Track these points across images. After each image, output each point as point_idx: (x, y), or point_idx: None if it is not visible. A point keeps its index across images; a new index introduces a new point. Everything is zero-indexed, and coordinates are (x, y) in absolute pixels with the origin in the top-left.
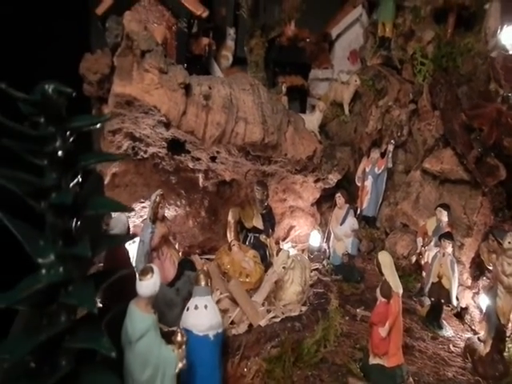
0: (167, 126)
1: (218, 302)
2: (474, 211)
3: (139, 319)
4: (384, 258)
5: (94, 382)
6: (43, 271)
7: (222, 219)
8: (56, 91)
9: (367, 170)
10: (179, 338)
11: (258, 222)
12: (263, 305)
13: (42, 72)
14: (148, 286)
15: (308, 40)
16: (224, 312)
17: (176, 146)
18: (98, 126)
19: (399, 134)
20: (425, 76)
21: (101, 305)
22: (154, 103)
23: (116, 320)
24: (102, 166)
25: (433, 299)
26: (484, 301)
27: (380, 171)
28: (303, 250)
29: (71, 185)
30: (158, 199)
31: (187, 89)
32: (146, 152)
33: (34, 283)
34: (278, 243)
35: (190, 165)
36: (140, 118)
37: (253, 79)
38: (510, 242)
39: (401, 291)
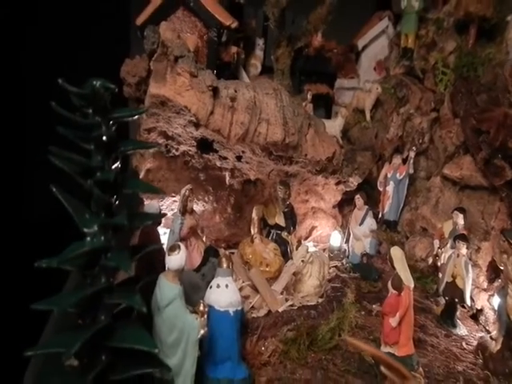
0: (197, 125)
1: (240, 289)
2: (491, 216)
3: (167, 289)
4: (396, 253)
5: (127, 335)
6: (88, 239)
7: (246, 216)
8: (102, 86)
9: (389, 175)
10: (201, 307)
11: (280, 220)
12: (282, 293)
13: (90, 73)
14: (175, 260)
15: (335, 51)
16: (245, 298)
17: (205, 145)
18: (136, 117)
19: (420, 141)
20: (446, 85)
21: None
22: (184, 103)
23: (147, 290)
24: (138, 162)
25: (447, 298)
26: (496, 301)
27: (401, 177)
28: (324, 250)
29: (113, 166)
30: (187, 193)
31: (215, 91)
32: (177, 150)
33: (80, 247)
34: (299, 242)
35: (218, 163)
36: (172, 117)
37: (276, 84)
38: None
39: (412, 285)
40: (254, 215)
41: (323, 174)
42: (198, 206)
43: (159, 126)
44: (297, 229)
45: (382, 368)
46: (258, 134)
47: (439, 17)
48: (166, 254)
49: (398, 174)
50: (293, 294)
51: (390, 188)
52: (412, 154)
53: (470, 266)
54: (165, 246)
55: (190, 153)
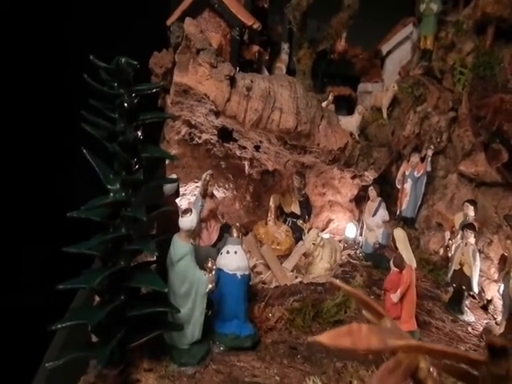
0: (217, 114)
1: (253, 266)
2: (504, 210)
3: (179, 246)
4: (398, 234)
5: (142, 278)
6: (111, 194)
7: (265, 205)
8: (126, 62)
9: (407, 173)
10: (210, 264)
11: (295, 208)
12: (292, 271)
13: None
14: (187, 221)
15: (361, 56)
16: (258, 274)
17: (225, 134)
18: (154, 90)
19: (439, 139)
20: (464, 85)
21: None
22: (204, 91)
23: (163, 247)
24: (165, 148)
25: (455, 286)
26: (501, 287)
27: (419, 175)
28: (340, 241)
29: (135, 132)
30: (207, 178)
31: (232, 81)
32: (200, 138)
33: (104, 199)
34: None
35: (238, 152)
36: (194, 106)
37: (292, 78)
38: None
39: (414, 265)
40: (271, 203)
41: (337, 166)
42: (219, 193)
43: (183, 115)
44: (312, 217)
45: (363, 311)
46: (271, 121)
47: (459, 19)
48: (180, 217)
49: (415, 172)
50: (304, 274)
51: (408, 186)
52: (430, 153)
53: (477, 255)
54: None
55: (212, 141)
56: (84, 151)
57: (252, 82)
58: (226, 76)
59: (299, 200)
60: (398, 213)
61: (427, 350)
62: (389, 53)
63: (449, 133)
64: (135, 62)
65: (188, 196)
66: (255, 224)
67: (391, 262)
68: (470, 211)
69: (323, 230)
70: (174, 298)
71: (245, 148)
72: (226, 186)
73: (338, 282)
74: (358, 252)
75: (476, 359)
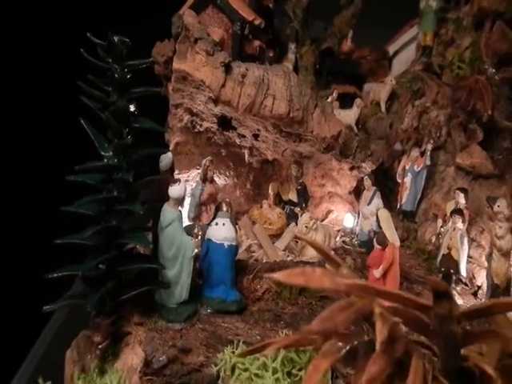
0: (215, 102)
1: (248, 247)
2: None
3: (168, 212)
4: (382, 214)
5: (131, 236)
6: (105, 160)
7: (264, 193)
8: (119, 40)
9: (407, 167)
10: (196, 230)
11: (293, 196)
12: (284, 251)
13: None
14: (176, 189)
15: (369, 58)
16: (251, 252)
17: (225, 123)
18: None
19: (438, 134)
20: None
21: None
22: (201, 77)
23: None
24: (169, 135)
25: (443, 269)
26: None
27: (419, 169)
28: (338, 231)
29: (125, 103)
30: (207, 163)
31: (227, 68)
32: (201, 126)
33: (98, 163)
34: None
35: (237, 141)
36: (194, 93)
37: (287, 68)
38: (499, 206)
39: (397, 244)
40: (270, 191)
41: (334, 156)
42: (220, 180)
43: (185, 103)
44: (309, 205)
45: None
46: (264, 106)
47: (459, 16)
48: (170, 186)
49: (415, 166)
50: (295, 255)
51: (408, 179)
52: (429, 147)
53: (465, 239)
54: (187, 209)
55: (212, 129)
56: (81, 121)
57: (247, 70)
58: (221, 63)
59: (297, 188)
60: (398, 206)
61: (375, 291)
62: (396, 53)
63: (448, 127)
64: (127, 40)
65: (191, 182)
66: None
67: (374, 240)
68: (461, 198)
69: (323, 221)
70: (163, 260)
71: (244, 136)
72: (227, 173)
73: (299, 233)
74: (353, 240)
75: (424, 304)
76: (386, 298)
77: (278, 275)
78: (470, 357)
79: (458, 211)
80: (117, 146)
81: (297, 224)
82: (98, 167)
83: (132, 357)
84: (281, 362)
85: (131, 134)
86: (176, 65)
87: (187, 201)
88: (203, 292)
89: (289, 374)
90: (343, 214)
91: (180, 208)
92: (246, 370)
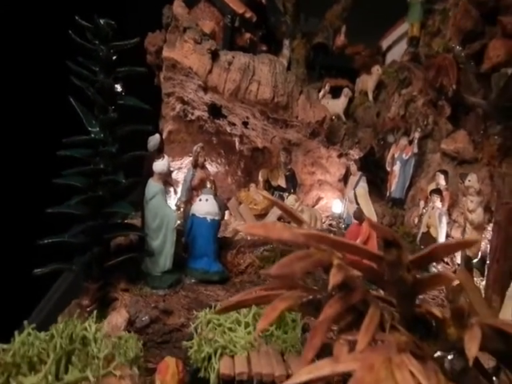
0: (205, 90)
1: (235, 228)
2: (478, 181)
3: (152, 186)
4: (360, 191)
5: (116, 205)
6: (92, 135)
7: (255, 180)
8: (105, 23)
9: (396, 155)
10: (178, 203)
11: (282, 182)
12: None
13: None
14: (159, 164)
15: (363, 53)
16: (237, 232)
17: (215, 111)
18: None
19: (425, 122)
20: None
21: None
22: (189, 64)
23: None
24: (162, 125)
25: (422, 247)
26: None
27: (407, 157)
28: (327, 217)
29: (111, 82)
30: (198, 149)
31: (214, 55)
32: (192, 114)
33: (86, 137)
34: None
35: (228, 129)
36: (184, 81)
37: (273, 57)
38: (469, 180)
39: (374, 219)
40: (260, 177)
41: (322, 143)
42: (211, 167)
43: (176, 92)
44: (298, 191)
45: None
46: (249, 91)
47: (445, 7)
48: (154, 161)
49: (404, 155)
50: None
51: (397, 168)
52: (417, 135)
53: (443, 218)
54: (179, 194)
55: (204, 118)
56: (70, 99)
57: (233, 57)
58: (207, 50)
59: (285, 174)
60: (387, 194)
61: (331, 241)
62: (389, 48)
63: (435, 116)
64: (112, 22)
65: (184, 169)
66: None
67: (351, 217)
68: (441, 180)
69: (313, 207)
70: (148, 231)
71: (234, 124)
72: (219, 161)
73: (259, 191)
74: (340, 223)
75: (376, 254)
76: (341, 248)
77: (241, 227)
78: (423, 305)
79: (436, 191)
80: (102, 120)
81: None
82: (85, 141)
83: (117, 317)
84: (252, 317)
85: (117, 110)
86: (165, 53)
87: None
88: (187, 264)
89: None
90: (333, 200)
91: (162, 182)
92: (220, 325)
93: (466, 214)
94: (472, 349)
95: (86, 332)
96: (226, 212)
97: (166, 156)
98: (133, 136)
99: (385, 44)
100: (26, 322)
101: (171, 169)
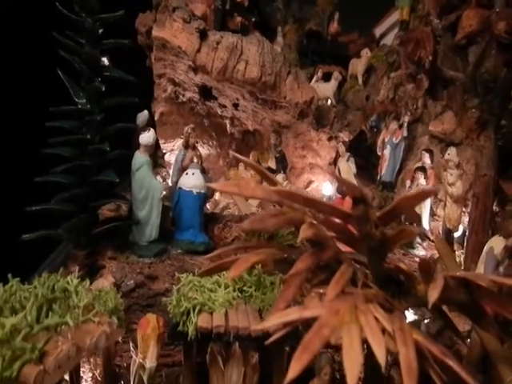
0: (195, 70)
1: (224, 206)
2: (463, 161)
3: (138, 157)
4: (343, 165)
5: (102, 173)
6: (79, 106)
7: None
8: None
9: (386, 140)
10: (164, 174)
11: (272, 163)
12: (257, 207)
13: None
14: (145, 137)
15: (358, 42)
16: (225, 208)
17: (206, 93)
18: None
19: (414, 106)
20: None
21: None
22: (178, 44)
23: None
24: (154, 106)
25: (407, 223)
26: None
27: (397, 141)
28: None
29: (103, 58)
30: (189, 130)
31: (203, 35)
32: (184, 96)
33: (73, 106)
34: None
35: (219, 111)
36: (174, 61)
37: (262, 37)
38: (449, 154)
39: None
40: (250, 159)
41: (311, 124)
42: (203, 150)
43: (167, 73)
44: (288, 173)
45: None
46: (237, 70)
47: None
48: (140, 134)
49: (394, 139)
50: None
51: (387, 151)
52: (406, 119)
53: None
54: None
55: (195, 99)
56: (58, 71)
57: (221, 37)
58: (195, 29)
59: (275, 156)
60: (378, 178)
61: (302, 198)
62: (383, 36)
63: (424, 99)
64: None
65: (176, 152)
66: None
67: (335, 190)
68: (426, 158)
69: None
70: (135, 202)
71: (225, 106)
72: (210, 143)
73: (236, 154)
74: None
75: (345, 211)
76: (312, 206)
77: (215, 185)
78: (393, 262)
79: (420, 168)
80: (88, 90)
81: None
82: (72, 111)
83: (103, 281)
84: (232, 279)
85: (103, 82)
86: (155, 32)
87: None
88: (174, 235)
89: (240, 290)
90: (323, 183)
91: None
92: (201, 286)
93: (446, 188)
94: (433, 294)
95: (68, 285)
96: (217, 194)
97: (151, 129)
98: (122, 112)
99: (378, 31)
100: (10, 275)
101: (164, 151)
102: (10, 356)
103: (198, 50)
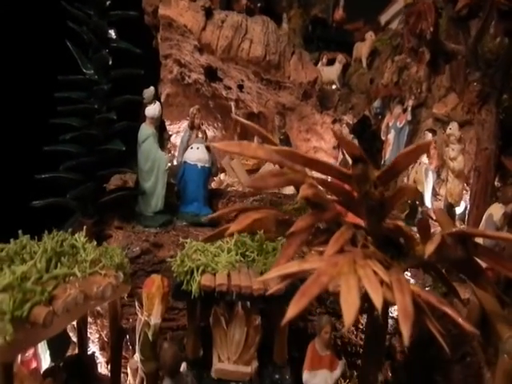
0: (200, 50)
1: (228, 184)
2: (467, 140)
3: (144, 129)
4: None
5: (109, 142)
6: (87, 76)
7: None
8: None
9: (390, 124)
10: (169, 145)
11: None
12: None
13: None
14: (151, 109)
15: (363, 30)
16: (229, 186)
17: (211, 75)
18: None
19: (419, 90)
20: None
21: None
22: (184, 22)
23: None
24: (160, 88)
25: (409, 202)
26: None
27: (401, 125)
28: None
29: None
30: (194, 111)
31: (208, 13)
32: (189, 77)
33: (81, 76)
34: None
35: (224, 93)
36: (180, 41)
37: (266, 17)
38: (450, 128)
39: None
40: (255, 141)
41: (315, 107)
42: (209, 132)
43: (173, 53)
44: None
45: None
46: (241, 49)
47: None
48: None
49: (398, 123)
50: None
51: (391, 136)
52: (411, 103)
53: (429, 173)
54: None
55: (200, 81)
56: (68, 43)
57: (226, 16)
58: (201, 7)
59: (280, 138)
60: (382, 162)
61: (302, 158)
62: (388, 23)
63: (428, 83)
64: None
65: (182, 133)
66: None
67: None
68: (429, 138)
69: None
70: (141, 173)
71: (230, 88)
72: (215, 125)
73: (239, 118)
74: None
75: (345, 171)
76: (312, 165)
77: (219, 144)
78: (392, 221)
79: None
80: (96, 60)
81: None
82: (80, 80)
83: None
84: (235, 245)
85: (110, 53)
86: (161, 11)
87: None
88: (179, 209)
89: (243, 255)
90: None
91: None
92: (205, 250)
93: (448, 163)
94: (430, 248)
95: (76, 242)
96: (222, 175)
97: (157, 102)
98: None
99: (383, 19)
100: (20, 231)
101: (170, 133)
102: (20, 298)
103: (204, 29)
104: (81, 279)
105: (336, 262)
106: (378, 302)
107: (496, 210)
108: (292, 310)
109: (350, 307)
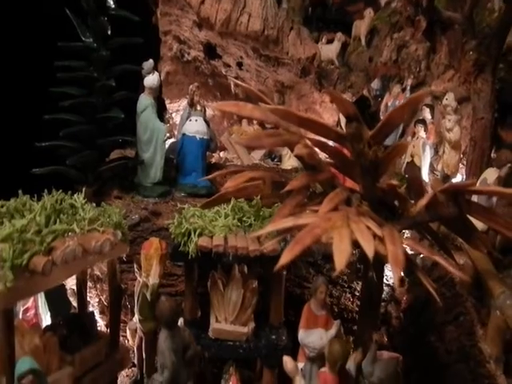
0: (199, 26)
1: (227, 159)
2: (464, 118)
3: (143, 99)
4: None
5: (108, 111)
6: (86, 44)
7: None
8: None
9: (389, 104)
10: (167, 116)
11: None
12: (260, 160)
13: None
14: (149, 79)
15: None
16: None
17: (210, 52)
18: None
19: (418, 69)
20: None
21: None
22: None
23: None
24: (160, 65)
25: (407, 176)
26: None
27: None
28: None
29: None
30: (194, 88)
31: None
32: (189, 54)
33: (79, 44)
34: None
35: (223, 70)
36: (179, 16)
37: None
38: (447, 99)
39: None
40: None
41: (314, 85)
42: (208, 110)
43: (173, 30)
44: None
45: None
46: (240, 23)
47: None
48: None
49: (397, 102)
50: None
51: None
52: (409, 82)
53: (427, 147)
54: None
55: (200, 58)
56: (67, 11)
57: None
58: None
59: None
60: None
61: (296, 117)
62: (388, 4)
63: (427, 61)
64: None
65: (181, 112)
66: None
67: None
68: (427, 113)
69: None
70: (140, 144)
71: (229, 66)
72: (215, 103)
73: (238, 82)
74: None
75: (339, 132)
76: (306, 125)
77: (215, 105)
78: (385, 181)
79: (420, 121)
80: (95, 28)
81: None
82: (79, 47)
83: None
84: (232, 210)
85: (109, 22)
86: None
87: None
88: (178, 180)
89: (240, 220)
90: None
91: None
92: (202, 215)
93: (444, 134)
94: (421, 203)
95: (75, 202)
96: (221, 152)
97: (156, 72)
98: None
99: (383, 0)
100: (20, 191)
101: (170, 111)
102: (20, 248)
103: (202, 2)
104: (79, 235)
105: (330, 217)
106: (369, 251)
107: (490, 174)
108: (285, 257)
109: (341, 253)
